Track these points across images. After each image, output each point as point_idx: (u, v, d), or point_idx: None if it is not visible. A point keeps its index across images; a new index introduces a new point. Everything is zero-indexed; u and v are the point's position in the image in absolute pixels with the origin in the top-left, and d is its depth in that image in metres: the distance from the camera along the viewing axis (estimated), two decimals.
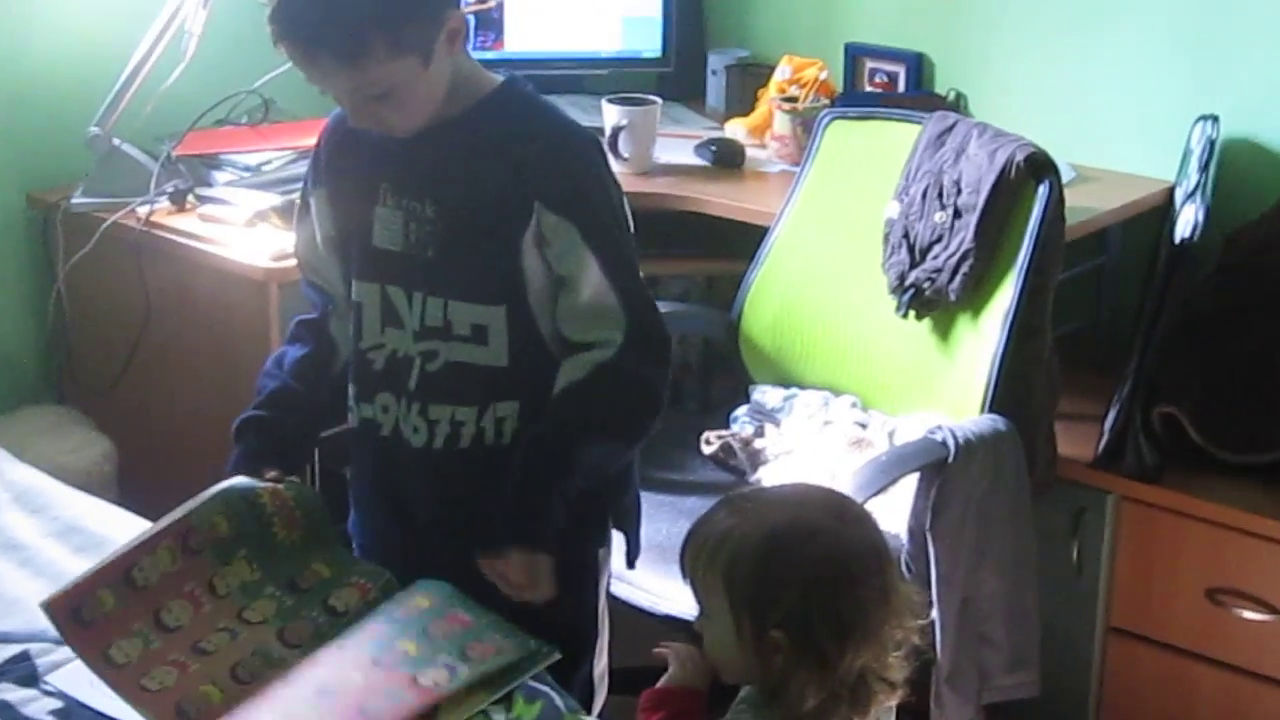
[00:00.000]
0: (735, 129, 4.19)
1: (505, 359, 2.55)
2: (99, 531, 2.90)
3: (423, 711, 2.30)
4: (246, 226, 3.61)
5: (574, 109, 4.14)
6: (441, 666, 2.38)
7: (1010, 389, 3.28)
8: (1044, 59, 4.07)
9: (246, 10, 3.90)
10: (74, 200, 3.78)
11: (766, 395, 3.65)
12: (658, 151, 4.01)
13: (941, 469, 3.16)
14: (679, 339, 4.43)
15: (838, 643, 2.16)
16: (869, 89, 4.27)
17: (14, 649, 2.57)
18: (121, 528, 2.91)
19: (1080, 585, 3.54)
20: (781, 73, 4.16)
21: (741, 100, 4.35)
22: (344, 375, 2.74)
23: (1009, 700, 3.34)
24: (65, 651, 2.52)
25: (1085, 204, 3.65)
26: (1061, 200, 3.30)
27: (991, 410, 3.28)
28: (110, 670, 2.33)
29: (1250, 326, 3.50)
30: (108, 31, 3.85)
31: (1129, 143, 3.94)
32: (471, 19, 4.30)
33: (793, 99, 4.05)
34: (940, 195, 3.40)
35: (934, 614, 3.16)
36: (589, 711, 2.60)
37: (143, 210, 3.69)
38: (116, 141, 3.77)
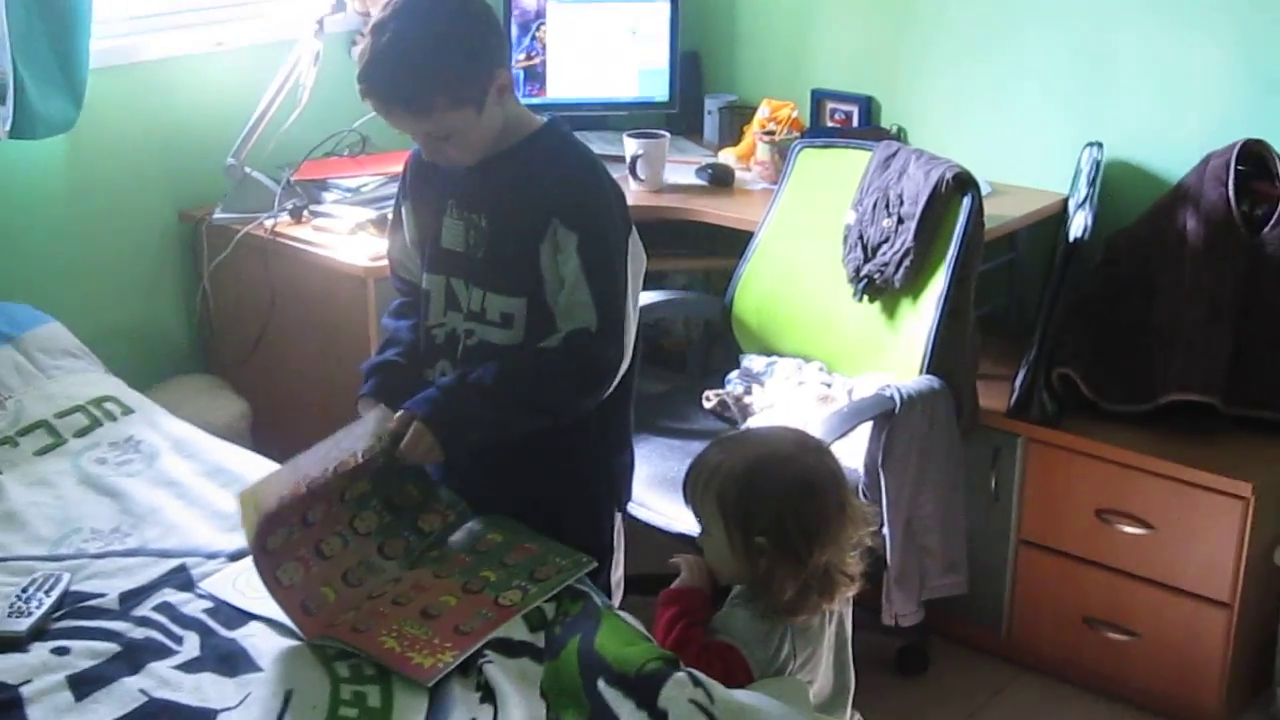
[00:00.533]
0: (727, 156, 4.18)
1: (521, 339, 2.56)
2: (237, 471, 2.90)
3: (503, 624, 2.31)
4: (349, 235, 3.61)
5: (601, 142, 4.16)
6: (516, 588, 2.40)
7: (942, 356, 3.29)
8: (967, 100, 4.06)
9: (346, 68, 3.91)
10: (215, 216, 3.78)
11: (753, 362, 3.65)
12: (667, 174, 4.00)
13: (890, 418, 3.16)
14: (684, 319, 4.46)
15: (808, 544, 2.18)
16: (830, 124, 4.25)
17: (174, 562, 2.58)
18: (255, 468, 2.91)
19: (998, 508, 3.53)
20: (762, 112, 4.15)
21: (731, 134, 4.33)
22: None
23: (943, 596, 3.35)
24: (215, 564, 2.54)
25: (999, 212, 3.65)
26: (981, 209, 3.30)
27: (928, 372, 3.28)
28: (264, 557, 2.34)
29: (1127, 306, 3.49)
30: (240, 86, 3.84)
31: (1033, 164, 3.92)
32: (522, 72, 4.31)
33: (771, 132, 4.04)
34: (887, 206, 3.40)
35: (885, 530, 3.16)
36: None
37: (268, 223, 3.69)
38: (248, 170, 3.77)
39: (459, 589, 2.41)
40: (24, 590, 2.44)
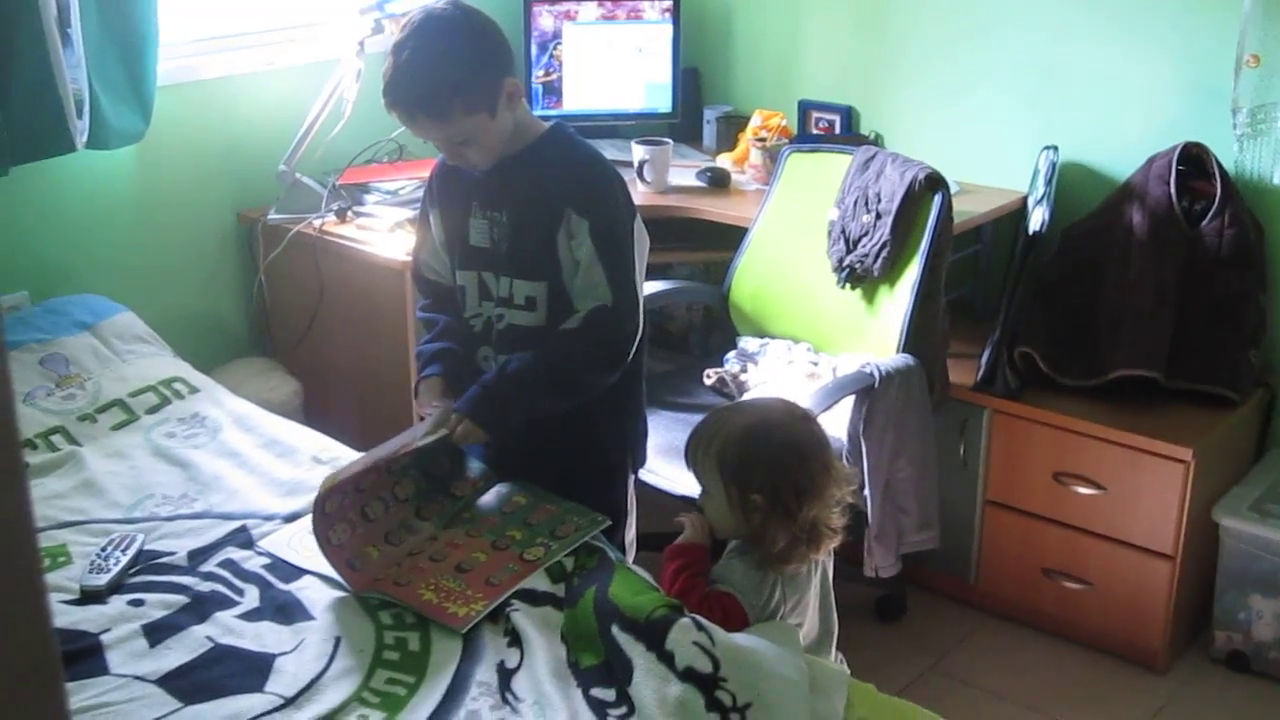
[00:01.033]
0: (723, 161, 4.17)
1: (545, 321, 2.56)
2: (291, 443, 2.91)
3: (528, 576, 2.33)
4: (388, 233, 3.61)
5: (612, 148, 4.15)
6: (539, 545, 2.41)
7: (916, 336, 3.28)
8: (937, 108, 4.04)
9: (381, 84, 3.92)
10: (269, 217, 3.77)
11: (748, 344, 3.64)
12: (670, 177, 3.99)
13: (870, 392, 3.16)
14: (686, 306, 4.46)
15: (797, 500, 2.19)
16: (815, 131, 4.24)
17: (236, 524, 2.59)
18: (307, 441, 2.92)
19: (966, 472, 3.53)
20: (754, 121, 4.14)
21: (727, 140, 4.32)
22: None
23: (918, 551, 3.35)
24: (272, 525, 2.55)
25: (966, 208, 3.63)
26: (950, 206, 3.29)
27: (903, 351, 3.27)
28: (321, 518, 2.35)
29: (1081, 291, 3.49)
30: (291, 101, 3.84)
31: (996, 165, 3.91)
32: (541, 87, 4.30)
33: (763, 139, 4.03)
34: (866, 203, 3.39)
35: (865, 492, 3.16)
36: None
37: (316, 223, 3.68)
38: (298, 175, 3.76)
39: (489, 546, 2.42)
40: (103, 549, 2.46)
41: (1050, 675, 3.40)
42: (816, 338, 3.55)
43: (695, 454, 2.31)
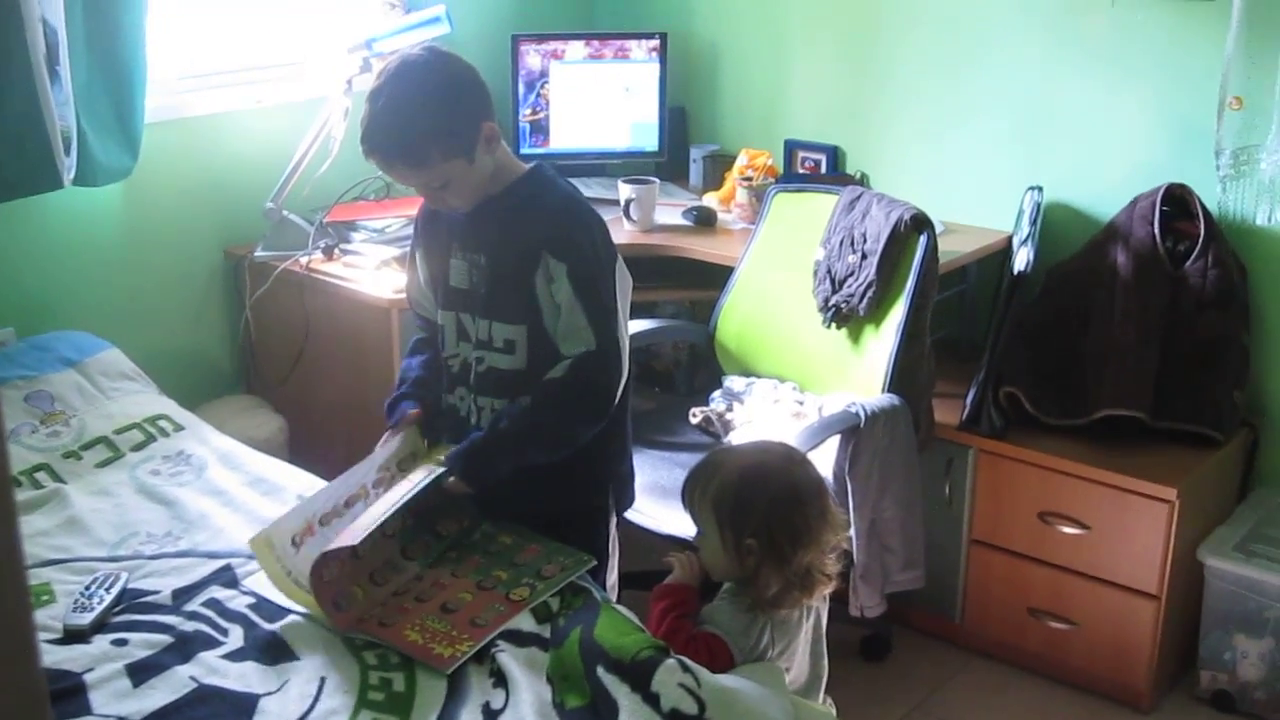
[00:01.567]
0: (710, 199, 4.18)
1: (524, 364, 2.55)
2: (277, 481, 2.90)
3: (513, 616, 2.32)
4: (375, 270, 3.61)
5: (598, 186, 4.17)
6: (525, 585, 2.40)
7: (901, 376, 3.28)
8: (922, 148, 4.07)
9: None
10: (256, 253, 3.77)
11: (734, 382, 3.64)
12: (656, 215, 3.99)
13: (855, 432, 3.16)
14: (672, 344, 4.46)
15: (792, 546, 2.19)
16: (801, 171, 4.26)
17: (221, 562, 2.58)
18: (292, 478, 2.92)
19: (951, 511, 3.53)
20: (741, 160, 4.15)
21: (714, 179, 4.33)
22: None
23: (903, 590, 3.34)
24: (256, 564, 2.53)
25: (951, 248, 3.64)
26: (935, 246, 3.30)
27: (889, 390, 3.27)
28: (319, 584, 2.34)
29: (1065, 331, 3.50)
30: (278, 138, 3.84)
31: (981, 205, 3.93)
32: (528, 125, 4.31)
33: (749, 178, 4.04)
34: (852, 243, 3.40)
35: (851, 532, 3.16)
36: None
37: (303, 260, 3.68)
38: (285, 212, 3.77)
39: (474, 586, 2.42)
40: (86, 588, 2.44)
41: (1035, 715, 3.39)
42: (802, 377, 3.55)
43: (691, 495, 2.30)
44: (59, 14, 3.18)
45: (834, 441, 3.17)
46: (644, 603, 2.37)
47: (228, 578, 2.52)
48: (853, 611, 3.24)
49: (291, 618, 2.38)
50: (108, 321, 3.55)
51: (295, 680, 2.20)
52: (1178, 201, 3.51)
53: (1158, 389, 3.37)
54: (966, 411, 3.46)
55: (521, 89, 4.29)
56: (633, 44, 4.32)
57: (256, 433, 3.57)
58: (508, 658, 2.21)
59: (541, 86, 4.31)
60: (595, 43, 4.32)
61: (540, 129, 4.34)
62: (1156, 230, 3.45)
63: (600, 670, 2.12)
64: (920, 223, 3.30)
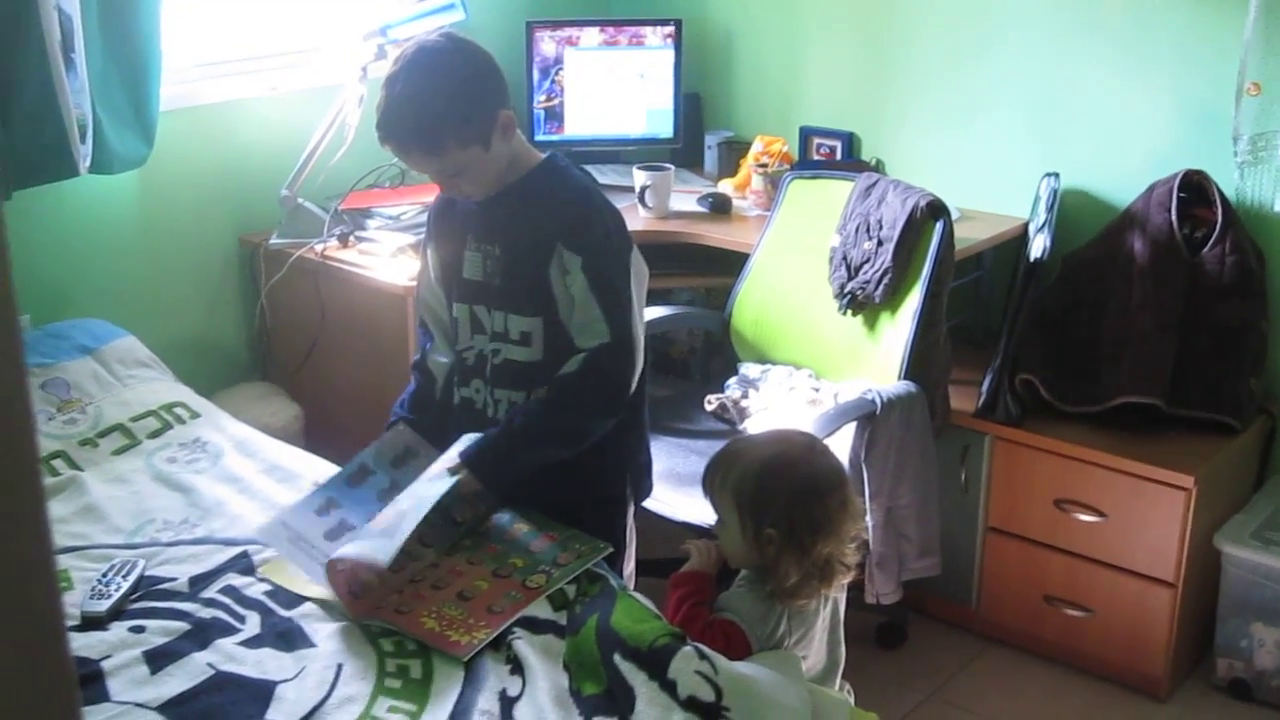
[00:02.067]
0: (725, 186, 4.18)
1: (540, 356, 2.55)
2: (293, 469, 2.91)
3: (530, 604, 2.32)
4: (390, 258, 3.61)
5: (613, 173, 4.16)
6: (541, 572, 2.40)
7: (917, 363, 3.28)
8: (938, 135, 4.05)
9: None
10: (271, 241, 3.78)
11: (749, 370, 3.64)
12: (672, 202, 3.99)
13: (871, 419, 3.15)
14: (688, 331, 4.46)
15: (812, 536, 2.18)
16: (816, 157, 4.25)
17: (237, 550, 2.58)
18: (308, 465, 2.92)
19: (967, 498, 3.52)
20: (756, 147, 4.14)
21: (729, 166, 4.33)
22: (443, 397, 2.73)
23: (919, 578, 3.34)
24: (273, 551, 2.53)
25: (967, 235, 3.63)
26: (951, 233, 3.29)
27: (905, 378, 3.27)
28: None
29: (1081, 318, 3.49)
30: (293, 126, 3.84)
31: (997, 192, 3.92)
32: (543, 112, 4.31)
33: (764, 165, 4.03)
34: (868, 230, 3.39)
35: (867, 519, 3.16)
36: None
37: (318, 247, 3.68)
38: (300, 200, 3.77)
39: (490, 574, 2.41)
40: (104, 575, 2.45)
41: (1051, 703, 3.39)
42: (818, 364, 3.55)
43: (712, 484, 2.29)
44: (74, 1, 3.18)
45: (850, 428, 3.16)
46: (661, 590, 2.37)
47: (244, 565, 2.52)
48: (868, 599, 3.24)
49: (308, 605, 2.38)
50: (124, 309, 3.56)
51: (312, 667, 2.21)
52: (1195, 188, 3.49)
53: (1175, 376, 3.36)
54: (982, 399, 3.45)
55: (536, 75, 4.28)
56: (648, 30, 4.31)
57: (272, 420, 3.57)
58: (524, 645, 2.21)
59: (556, 73, 4.30)
60: (610, 29, 4.31)
61: (555, 116, 4.33)
62: (1174, 217, 3.43)
63: (617, 657, 2.11)
64: (936, 209, 3.29)
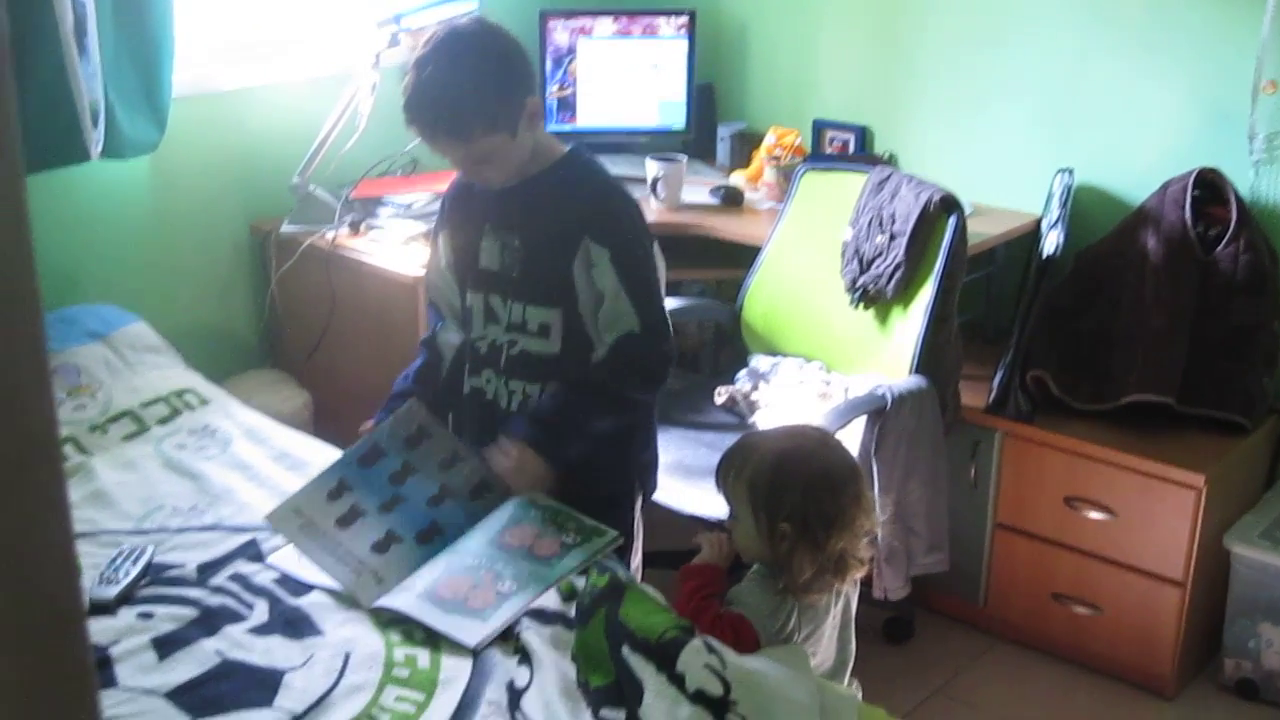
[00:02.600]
0: (737, 178, 4.17)
1: (558, 349, 2.55)
2: (302, 456, 2.91)
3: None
4: (401, 246, 3.61)
5: (626, 164, 4.15)
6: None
7: (929, 358, 3.27)
8: (952, 129, 4.05)
9: (398, 98, 3.92)
10: (282, 228, 3.78)
11: (760, 362, 3.64)
12: (684, 194, 3.99)
13: (882, 414, 3.15)
14: (698, 323, 4.45)
15: (826, 531, 2.18)
16: (829, 150, 4.24)
17: (246, 537, 2.58)
18: (317, 453, 2.92)
19: (977, 494, 3.52)
20: (769, 139, 4.14)
21: (741, 158, 4.32)
22: (449, 377, 2.74)
23: (928, 573, 3.34)
24: (281, 538, 2.54)
25: (980, 230, 3.63)
26: (964, 228, 3.28)
27: (916, 372, 3.26)
28: None
29: (1094, 315, 3.49)
30: (305, 113, 3.84)
31: (1011, 187, 3.91)
32: (555, 102, 4.30)
33: (777, 157, 4.03)
34: (881, 224, 3.39)
35: (878, 513, 3.16)
36: None
37: (329, 235, 3.68)
38: (312, 187, 3.77)
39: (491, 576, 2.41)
40: (112, 561, 2.46)
41: (1059, 700, 3.39)
42: (829, 357, 3.55)
43: (725, 477, 2.29)
44: None
45: (860, 423, 3.16)
46: (670, 582, 2.37)
47: (253, 552, 2.53)
48: (876, 594, 3.24)
49: (316, 593, 2.38)
50: (134, 294, 3.56)
51: (320, 655, 2.21)
52: (1209, 186, 3.48)
53: (1186, 375, 3.35)
54: (993, 395, 3.45)
55: (549, 65, 4.28)
56: (661, 20, 4.30)
57: (282, 407, 3.58)
58: (532, 636, 2.21)
59: (569, 63, 4.30)
60: (623, 19, 4.31)
61: (567, 106, 4.33)
62: (1188, 215, 3.42)
63: (625, 650, 2.12)
64: (949, 204, 3.28)
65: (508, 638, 2.23)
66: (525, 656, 2.19)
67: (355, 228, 3.71)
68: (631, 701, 2.06)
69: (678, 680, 2.04)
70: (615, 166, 4.04)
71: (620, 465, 2.70)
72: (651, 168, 3.94)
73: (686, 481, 3.18)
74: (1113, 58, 3.70)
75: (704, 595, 2.25)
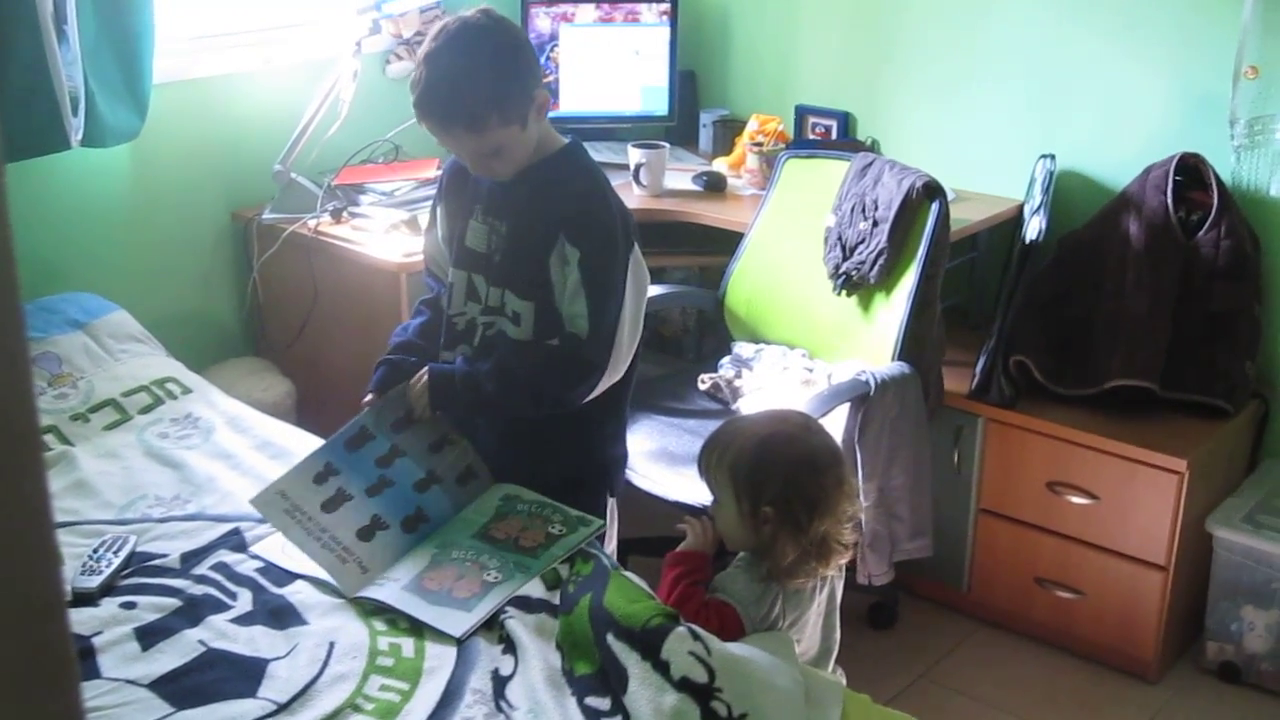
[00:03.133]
0: (720, 165, 4.17)
1: (530, 336, 2.55)
2: (284, 445, 2.90)
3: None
4: (383, 234, 3.59)
5: (608, 151, 4.15)
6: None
7: (912, 344, 3.27)
8: (934, 115, 4.05)
9: (381, 84, 3.91)
10: (264, 216, 3.76)
11: (743, 349, 3.64)
12: (666, 180, 3.98)
13: (865, 400, 3.15)
14: (681, 310, 4.45)
15: (808, 515, 2.18)
16: (812, 136, 4.24)
17: (229, 526, 2.58)
18: (300, 442, 2.91)
19: (960, 480, 3.53)
20: (751, 125, 4.13)
21: (724, 144, 4.32)
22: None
23: (911, 559, 3.35)
24: (265, 528, 2.53)
25: (963, 216, 3.63)
26: (947, 214, 3.28)
27: (899, 359, 3.26)
28: None
29: (1076, 301, 3.49)
30: (287, 100, 3.83)
31: (993, 173, 3.91)
32: None
33: (760, 144, 4.02)
34: (863, 210, 3.38)
35: (861, 499, 3.16)
36: None
37: (311, 223, 3.67)
38: (293, 175, 3.75)
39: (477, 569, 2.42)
40: (95, 551, 2.45)
41: (1042, 684, 3.40)
42: (812, 344, 3.55)
43: (708, 463, 2.29)
44: None
45: (843, 409, 3.16)
46: (654, 569, 2.37)
47: (236, 541, 2.52)
48: (860, 579, 3.24)
49: (300, 583, 2.38)
50: (115, 283, 3.54)
51: (304, 645, 2.21)
52: (1191, 171, 3.49)
53: (1168, 359, 3.36)
54: (976, 380, 3.45)
55: None
56: (643, 7, 4.29)
57: (264, 396, 3.57)
58: (517, 624, 2.21)
59: (551, 50, 4.29)
60: (605, 5, 4.30)
61: (549, 92, 4.31)
62: (1169, 200, 3.43)
63: (610, 637, 2.12)
64: (932, 190, 3.28)
65: (492, 626, 2.23)
66: (510, 645, 2.19)
67: (337, 215, 3.69)
68: (616, 689, 2.05)
69: (662, 668, 2.04)
70: (598, 153, 4.05)
71: (589, 456, 2.71)
72: (634, 154, 3.93)
73: (670, 468, 3.18)
74: (1095, 43, 3.71)
75: (689, 582, 2.25)
